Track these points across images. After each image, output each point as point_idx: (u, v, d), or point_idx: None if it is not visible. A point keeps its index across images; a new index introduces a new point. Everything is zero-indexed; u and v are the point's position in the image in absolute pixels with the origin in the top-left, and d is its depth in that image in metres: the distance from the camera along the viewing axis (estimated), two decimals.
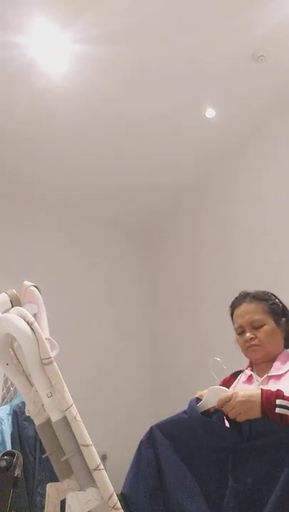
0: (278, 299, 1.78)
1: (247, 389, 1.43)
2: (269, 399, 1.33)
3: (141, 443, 1.45)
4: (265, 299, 1.75)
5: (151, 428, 1.48)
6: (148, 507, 1.34)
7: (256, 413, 1.33)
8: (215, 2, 2.54)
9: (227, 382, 1.77)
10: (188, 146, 3.58)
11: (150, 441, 1.45)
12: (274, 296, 1.79)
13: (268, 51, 2.82)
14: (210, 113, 3.26)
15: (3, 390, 2.50)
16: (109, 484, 1.19)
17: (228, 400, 1.37)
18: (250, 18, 2.60)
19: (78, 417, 1.22)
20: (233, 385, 1.72)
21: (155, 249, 4.56)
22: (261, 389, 1.38)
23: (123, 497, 1.38)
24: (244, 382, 1.70)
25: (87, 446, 1.20)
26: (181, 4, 2.54)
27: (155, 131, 3.42)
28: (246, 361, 1.81)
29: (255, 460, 1.31)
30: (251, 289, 1.83)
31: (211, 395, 1.43)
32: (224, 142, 3.55)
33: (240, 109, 3.25)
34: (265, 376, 1.63)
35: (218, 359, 1.59)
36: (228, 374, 1.80)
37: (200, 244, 3.89)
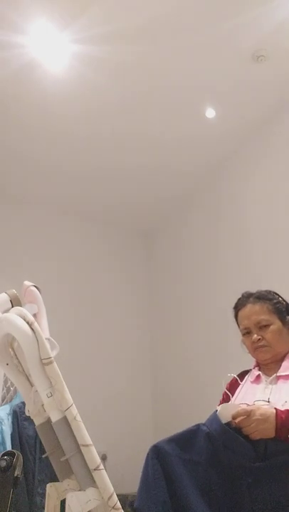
0: (281, 298, 1.77)
1: (263, 407, 1.42)
2: (284, 424, 1.36)
3: (147, 455, 1.41)
4: (268, 298, 1.74)
5: (157, 443, 1.43)
6: None
7: (270, 434, 1.35)
8: (215, 2, 2.54)
9: (234, 383, 1.76)
10: (188, 145, 3.58)
11: (155, 452, 1.40)
12: (277, 294, 1.78)
13: (267, 51, 2.81)
14: (210, 113, 3.26)
15: (3, 390, 2.50)
16: (109, 484, 1.19)
17: (246, 414, 1.37)
18: (250, 18, 2.60)
19: (78, 417, 1.22)
20: (240, 385, 1.71)
21: (155, 250, 4.55)
22: (276, 410, 1.39)
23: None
24: (252, 382, 1.69)
25: (87, 446, 1.20)
26: (181, 4, 2.54)
27: (155, 131, 3.42)
28: (246, 365, 1.80)
29: (274, 480, 1.31)
30: (250, 290, 1.82)
31: (225, 412, 1.42)
32: (224, 142, 3.55)
33: (240, 110, 3.25)
34: (273, 376, 1.62)
35: (235, 376, 1.58)
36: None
37: (201, 244, 3.89)
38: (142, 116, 3.29)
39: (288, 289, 1.86)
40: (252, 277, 3.12)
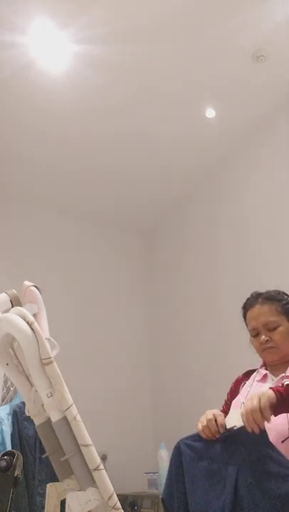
0: None
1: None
2: (277, 385, 1.40)
3: (172, 454, 1.56)
4: (278, 299, 1.72)
5: (179, 441, 1.56)
6: (180, 509, 1.46)
7: (270, 395, 1.36)
8: (215, 2, 2.54)
9: (240, 382, 1.76)
10: (188, 145, 3.58)
11: (177, 450, 1.53)
12: (286, 295, 1.76)
13: (267, 51, 2.81)
14: (210, 113, 3.26)
15: (3, 390, 2.50)
16: (109, 484, 1.19)
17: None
18: (250, 18, 2.60)
19: (78, 417, 1.22)
20: (247, 384, 1.71)
21: (155, 250, 4.55)
22: (271, 388, 1.41)
23: (162, 501, 1.55)
24: (258, 381, 1.69)
25: (87, 446, 1.20)
26: (181, 4, 2.54)
27: (155, 130, 3.42)
28: (247, 364, 1.80)
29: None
30: (248, 290, 1.82)
31: (234, 416, 1.45)
32: (224, 142, 3.55)
33: (240, 109, 3.25)
34: (281, 376, 1.62)
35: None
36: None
37: (201, 244, 3.88)
38: (142, 116, 3.28)
39: (287, 287, 1.86)
40: (252, 277, 3.12)
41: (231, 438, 1.43)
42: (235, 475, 1.36)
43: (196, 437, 1.51)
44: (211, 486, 1.41)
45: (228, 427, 1.45)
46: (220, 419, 1.49)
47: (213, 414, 1.50)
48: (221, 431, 1.47)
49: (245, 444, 1.39)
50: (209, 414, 1.51)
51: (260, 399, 1.35)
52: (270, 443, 1.37)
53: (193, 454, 1.49)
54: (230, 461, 1.40)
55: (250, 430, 1.35)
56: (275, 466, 1.33)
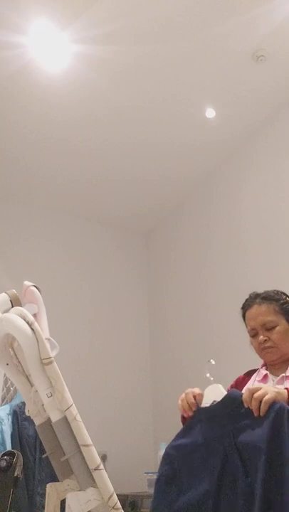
0: None
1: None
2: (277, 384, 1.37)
3: (161, 461, 1.47)
4: (275, 299, 1.72)
5: (167, 446, 1.48)
6: None
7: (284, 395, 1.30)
8: (215, 2, 2.54)
9: (240, 382, 1.75)
10: (187, 146, 3.58)
11: (167, 458, 1.45)
12: (285, 295, 1.76)
13: (267, 51, 2.81)
14: (210, 113, 3.26)
15: (3, 390, 2.50)
16: (109, 484, 1.20)
17: (256, 390, 1.33)
18: (250, 17, 2.60)
19: (78, 417, 1.22)
20: (247, 384, 1.71)
21: (156, 250, 4.55)
22: (287, 388, 1.37)
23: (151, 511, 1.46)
24: (259, 381, 1.68)
25: (87, 446, 1.20)
26: (181, 4, 2.54)
27: (156, 131, 3.42)
28: (247, 364, 1.80)
29: (256, 424, 1.29)
30: (245, 289, 1.81)
31: (211, 392, 1.44)
32: (224, 142, 3.54)
33: (240, 109, 3.25)
34: (281, 376, 1.62)
35: (212, 361, 1.59)
36: (230, 374, 1.80)
37: (201, 244, 3.88)
38: (143, 117, 3.28)
39: (282, 287, 1.86)
40: (249, 277, 3.12)
41: (213, 417, 1.40)
42: (223, 449, 1.33)
43: (180, 435, 1.47)
44: (206, 469, 1.36)
45: (208, 403, 1.43)
46: (197, 390, 1.48)
47: (191, 390, 1.49)
48: (198, 400, 1.45)
49: (226, 417, 1.36)
50: (188, 390, 1.50)
51: (271, 392, 1.30)
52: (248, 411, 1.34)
53: (184, 450, 1.43)
54: (217, 438, 1.37)
55: (246, 405, 1.32)
56: (249, 422, 1.30)
